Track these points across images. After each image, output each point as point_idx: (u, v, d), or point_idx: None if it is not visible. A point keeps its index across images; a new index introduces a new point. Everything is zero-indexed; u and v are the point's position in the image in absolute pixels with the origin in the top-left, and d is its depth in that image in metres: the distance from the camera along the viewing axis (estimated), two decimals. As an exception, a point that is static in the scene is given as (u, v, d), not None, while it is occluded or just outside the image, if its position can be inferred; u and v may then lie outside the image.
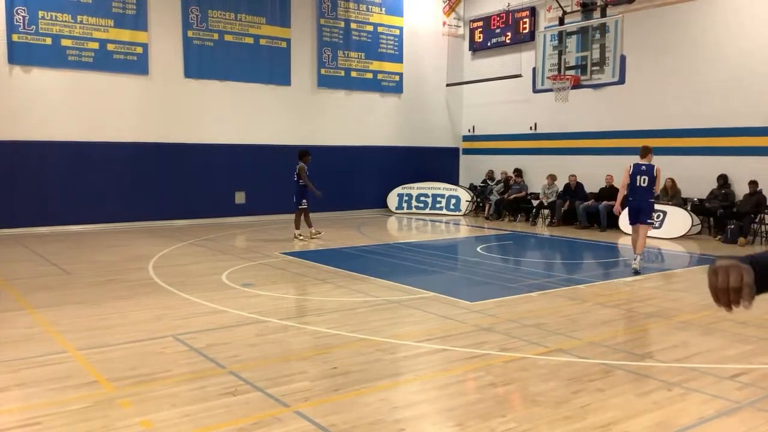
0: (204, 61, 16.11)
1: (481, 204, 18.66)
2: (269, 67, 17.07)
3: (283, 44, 17.27)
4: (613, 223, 14.80)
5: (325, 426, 4.08)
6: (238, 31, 16.55)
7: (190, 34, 15.87)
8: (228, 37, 16.41)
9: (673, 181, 14.49)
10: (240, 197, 16.89)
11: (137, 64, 15.20)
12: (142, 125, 15.39)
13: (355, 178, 18.56)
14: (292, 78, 17.50)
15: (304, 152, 13.17)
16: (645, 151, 9.73)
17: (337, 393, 4.67)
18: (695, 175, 14.47)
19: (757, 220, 13.13)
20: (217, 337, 6.08)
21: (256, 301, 7.63)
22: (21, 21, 13.78)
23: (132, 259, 10.68)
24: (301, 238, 12.96)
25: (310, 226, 13.15)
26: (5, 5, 13.62)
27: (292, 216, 13.19)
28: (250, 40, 16.72)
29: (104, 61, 14.78)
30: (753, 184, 13.21)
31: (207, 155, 16.20)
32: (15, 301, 7.60)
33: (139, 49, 15.21)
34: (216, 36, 16.23)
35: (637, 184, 9.53)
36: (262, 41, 16.93)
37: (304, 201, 12.93)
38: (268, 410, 4.32)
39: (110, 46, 14.84)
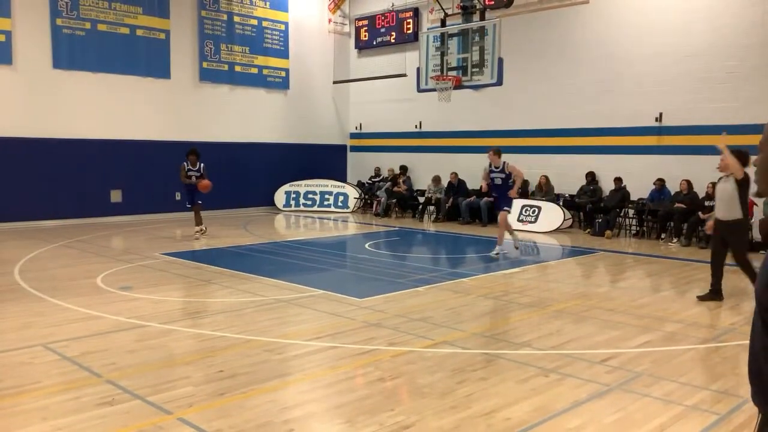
0: (75, 51, 15.10)
1: (369, 201, 18.83)
2: (147, 59, 16.28)
3: (162, 35, 16.54)
4: (493, 218, 15.43)
5: None
6: (113, 21, 15.67)
7: (59, 22, 14.82)
8: (101, 27, 15.48)
9: (546, 178, 15.36)
10: (116, 196, 16.01)
11: (-2, 53, 14.03)
12: (7, 119, 14.18)
13: (241, 176, 18.12)
14: (172, 71, 16.80)
15: (189, 151, 13.06)
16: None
17: (223, 397, 4.55)
18: (566, 173, 15.39)
19: (621, 214, 14.18)
20: (92, 345, 5.74)
21: (134, 305, 7.27)
22: None
23: (-6, 263, 9.86)
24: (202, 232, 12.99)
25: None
26: None
27: (171, 215, 12.74)
28: (125, 31, 15.88)
29: (-41, 47, 13.53)
30: (617, 180, 14.25)
31: (79, 151, 15.20)
32: None
33: (2, 37, 14.02)
34: (88, 25, 15.27)
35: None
36: (139, 32, 16.13)
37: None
38: (149, 419, 4.13)
39: (-34, 32, 13.60)
